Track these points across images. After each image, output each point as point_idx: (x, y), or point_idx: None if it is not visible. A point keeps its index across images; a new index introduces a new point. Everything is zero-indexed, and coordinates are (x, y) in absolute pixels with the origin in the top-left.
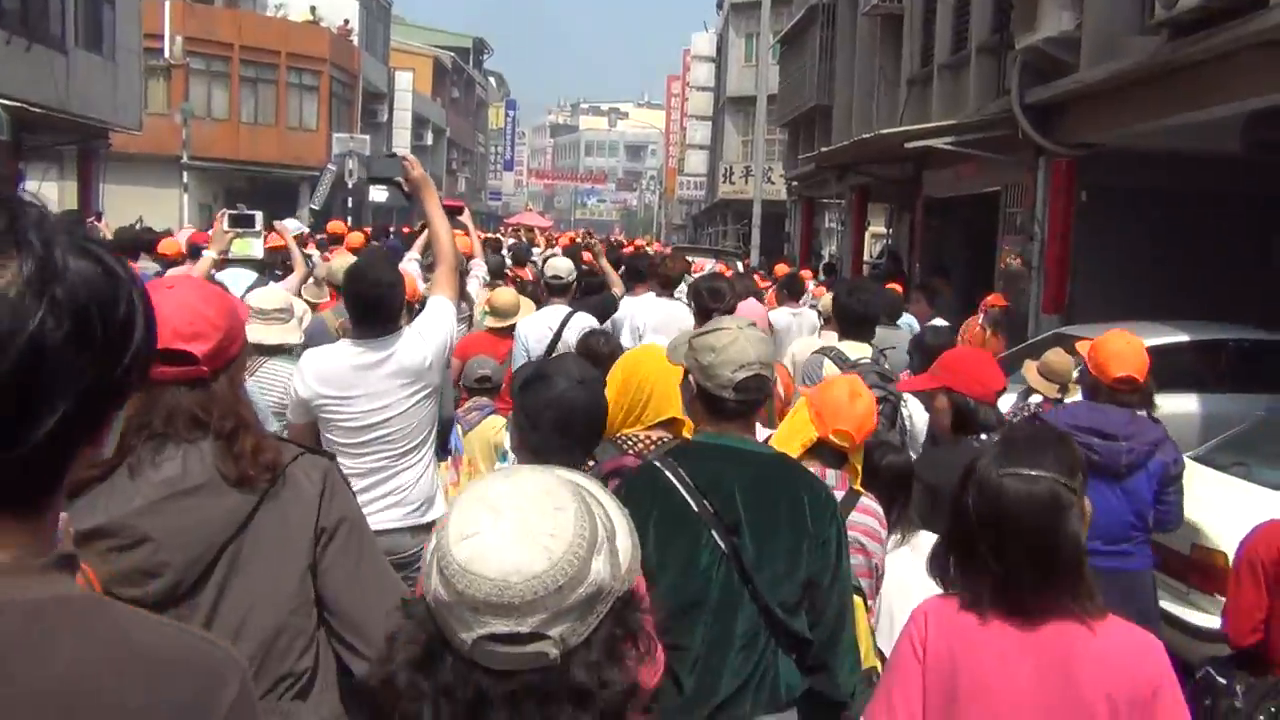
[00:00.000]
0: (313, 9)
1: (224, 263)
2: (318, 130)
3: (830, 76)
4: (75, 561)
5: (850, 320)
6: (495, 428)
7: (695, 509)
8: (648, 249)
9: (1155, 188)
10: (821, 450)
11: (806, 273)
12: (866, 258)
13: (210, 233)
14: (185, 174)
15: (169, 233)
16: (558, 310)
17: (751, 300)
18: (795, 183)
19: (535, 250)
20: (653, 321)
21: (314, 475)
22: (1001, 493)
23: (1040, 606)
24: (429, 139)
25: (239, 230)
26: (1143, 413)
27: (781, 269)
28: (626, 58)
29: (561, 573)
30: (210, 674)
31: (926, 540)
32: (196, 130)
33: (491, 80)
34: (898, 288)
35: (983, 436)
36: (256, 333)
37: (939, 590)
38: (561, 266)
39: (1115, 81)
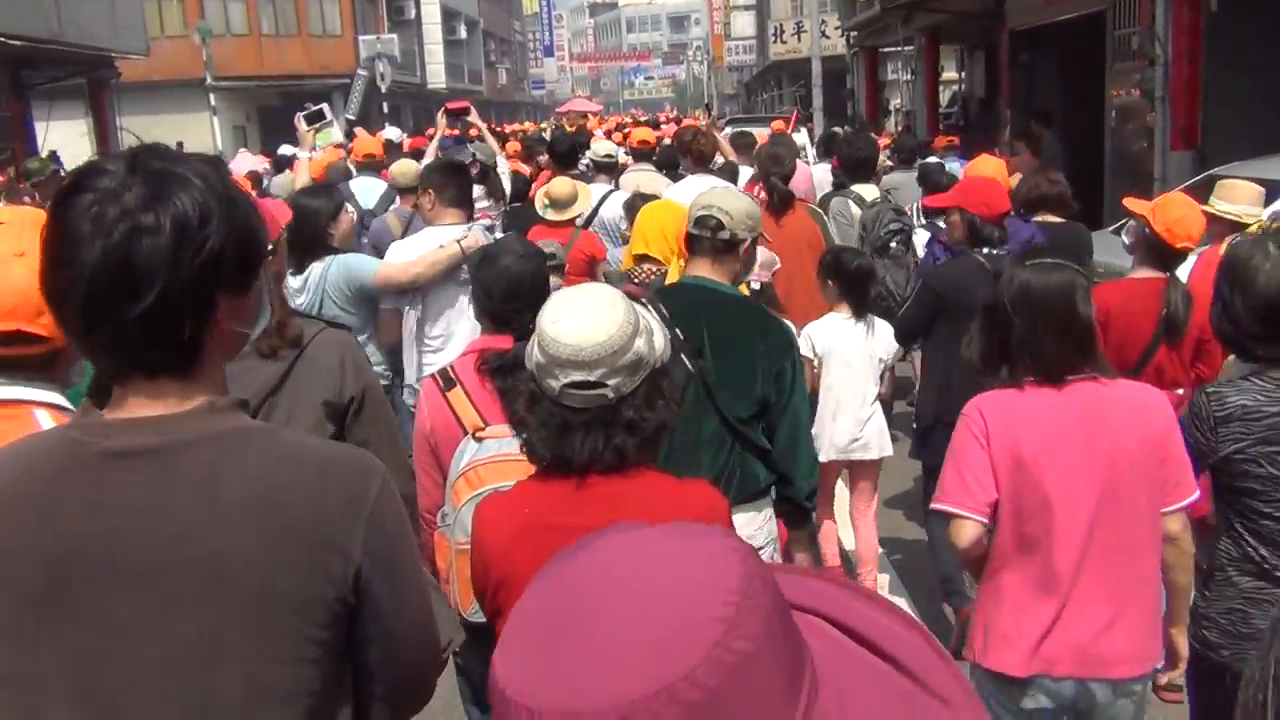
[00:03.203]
0: None
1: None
2: (343, 35)
3: None
4: (248, 405)
5: (851, 165)
6: None
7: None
8: (702, 125)
9: None
10: None
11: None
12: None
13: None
14: (212, 96)
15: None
16: (599, 188)
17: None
18: (854, 33)
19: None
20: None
21: (333, 349)
22: (1029, 280)
23: (1067, 369)
24: (462, 32)
25: (316, 126)
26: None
27: (779, 125)
28: None
29: (615, 342)
30: (362, 470)
31: (879, 323)
32: (218, 49)
33: None
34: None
35: (985, 250)
36: None
37: (869, 353)
38: (608, 146)
39: None
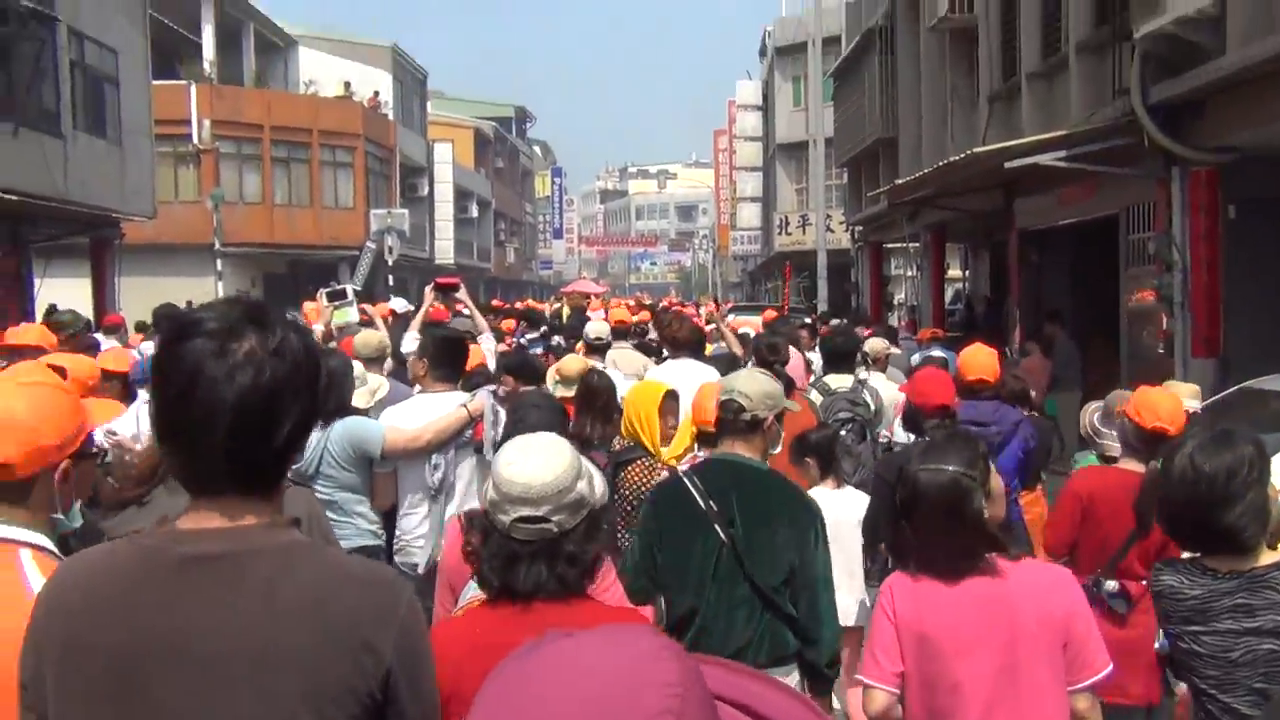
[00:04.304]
0: (346, 84)
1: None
2: (355, 208)
3: (893, 106)
4: (300, 523)
5: (832, 357)
6: None
7: (703, 508)
8: (700, 311)
9: None
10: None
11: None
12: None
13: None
14: (219, 261)
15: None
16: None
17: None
18: (859, 227)
19: (592, 315)
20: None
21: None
22: (916, 482)
23: (956, 566)
24: (474, 211)
25: (336, 304)
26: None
27: (770, 314)
28: (672, 116)
29: (560, 483)
30: (394, 587)
31: (851, 492)
32: (229, 215)
33: (536, 149)
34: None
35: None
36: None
37: (848, 520)
38: (601, 329)
39: (1275, 64)
